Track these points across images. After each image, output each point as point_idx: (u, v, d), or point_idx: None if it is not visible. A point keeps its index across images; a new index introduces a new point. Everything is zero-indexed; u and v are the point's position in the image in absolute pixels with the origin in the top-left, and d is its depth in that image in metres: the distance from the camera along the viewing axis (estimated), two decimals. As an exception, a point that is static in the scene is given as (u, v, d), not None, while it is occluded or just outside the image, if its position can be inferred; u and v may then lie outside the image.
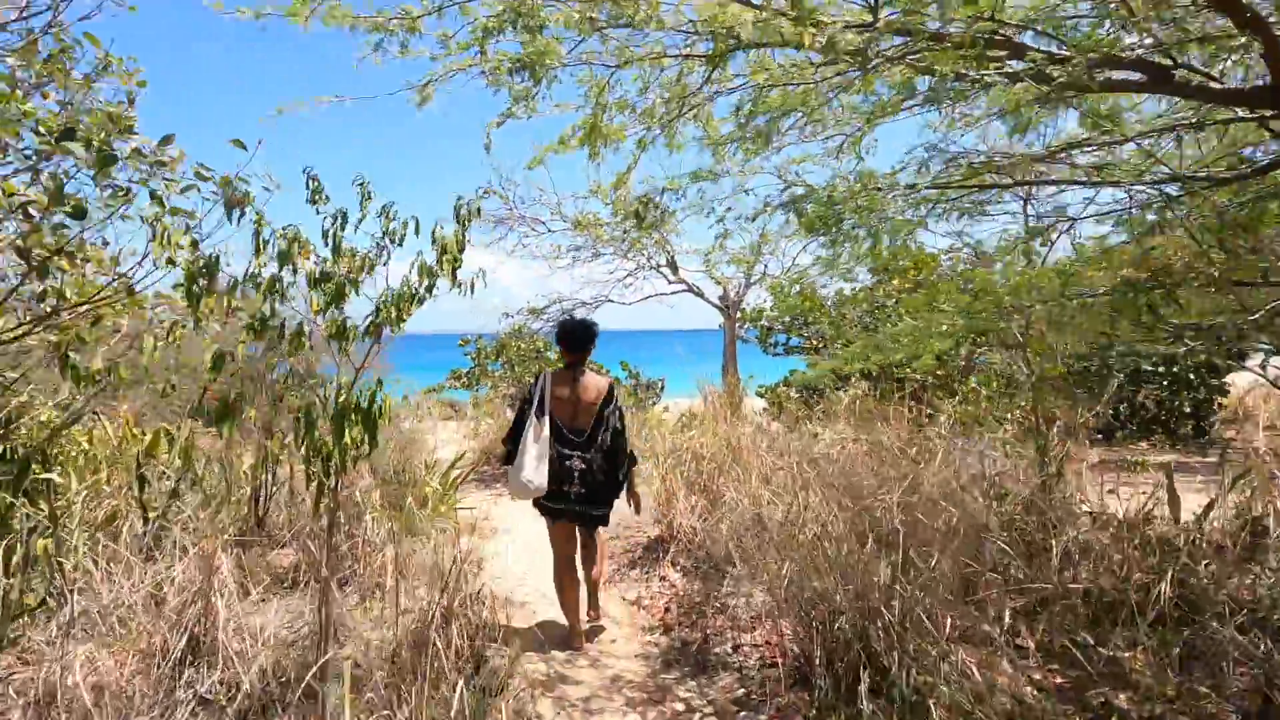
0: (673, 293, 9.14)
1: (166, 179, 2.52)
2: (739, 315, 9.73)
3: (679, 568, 4.23)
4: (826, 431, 5.62)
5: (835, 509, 3.57)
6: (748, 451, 4.91)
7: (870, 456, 4.68)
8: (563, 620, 3.47)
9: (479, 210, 2.51)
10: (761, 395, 10.69)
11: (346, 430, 2.18)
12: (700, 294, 9.13)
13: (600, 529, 3.51)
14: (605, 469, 3.28)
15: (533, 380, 3.40)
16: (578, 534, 3.45)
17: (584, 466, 3.23)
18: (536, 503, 3.32)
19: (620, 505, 3.49)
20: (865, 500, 3.61)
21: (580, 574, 3.45)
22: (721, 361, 10.03)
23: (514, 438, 3.28)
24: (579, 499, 3.24)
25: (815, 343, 10.15)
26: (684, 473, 4.74)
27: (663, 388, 11.46)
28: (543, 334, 8.48)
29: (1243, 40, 2.25)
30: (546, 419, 3.20)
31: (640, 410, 9.31)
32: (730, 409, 7.50)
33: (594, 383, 3.32)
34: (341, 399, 2.22)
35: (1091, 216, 3.34)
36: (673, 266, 8.67)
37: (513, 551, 5.01)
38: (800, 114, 3.11)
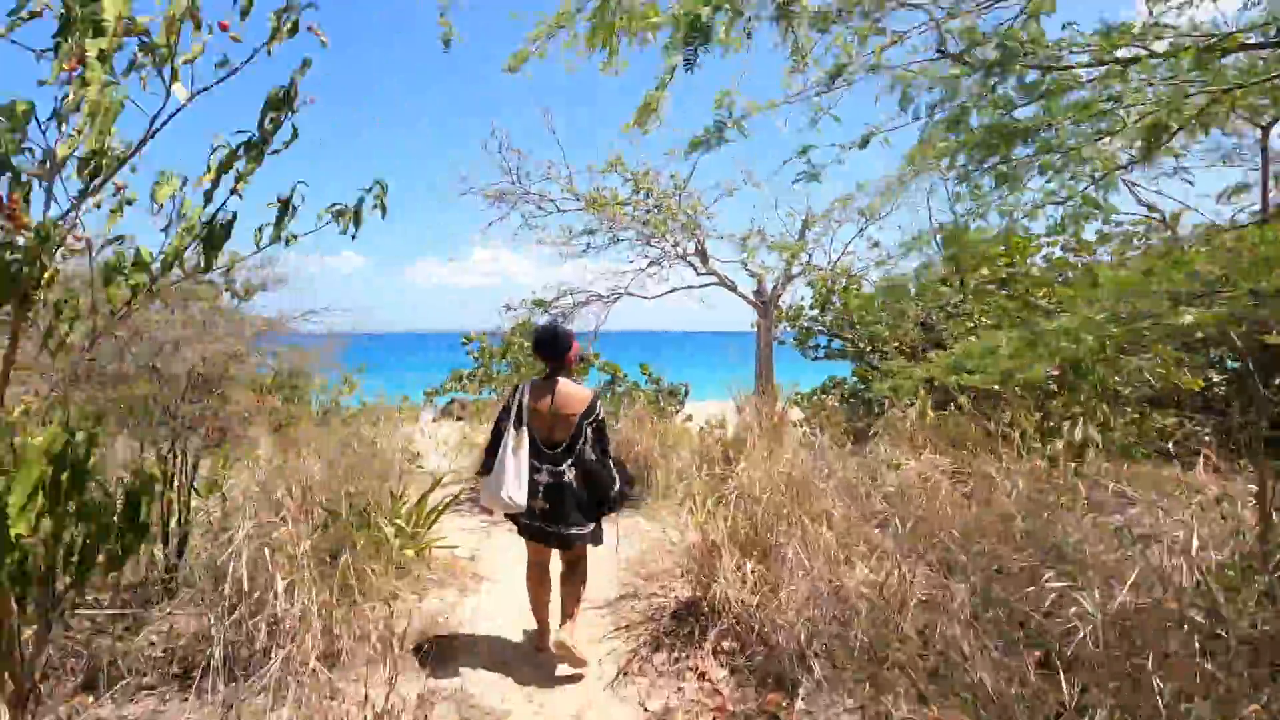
0: (702, 286, 7.93)
1: None
2: (776, 313, 8.49)
3: (724, 660, 3.01)
4: (905, 458, 4.37)
5: (962, 594, 2.34)
6: (811, 488, 3.69)
7: (981, 501, 3.42)
8: None
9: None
10: (798, 404, 9.43)
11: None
12: (733, 287, 7.90)
13: (587, 547, 3.30)
14: (578, 485, 3.11)
15: (511, 390, 3.30)
16: (560, 555, 3.33)
17: (550, 481, 3.08)
18: (511, 518, 3.24)
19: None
20: (1010, 588, 2.38)
21: (556, 588, 3.35)
22: (755, 366, 8.79)
23: (491, 449, 3.18)
24: (545, 515, 3.10)
25: (861, 346, 8.88)
26: (730, 516, 3.52)
27: (686, 394, 10.25)
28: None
29: None
30: (525, 431, 3.08)
31: (661, 420, 8.09)
32: (769, 422, 6.28)
33: (574, 393, 3.16)
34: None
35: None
36: (702, 255, 7.47)
37: (506, 607, 3.84)
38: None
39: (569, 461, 3.09)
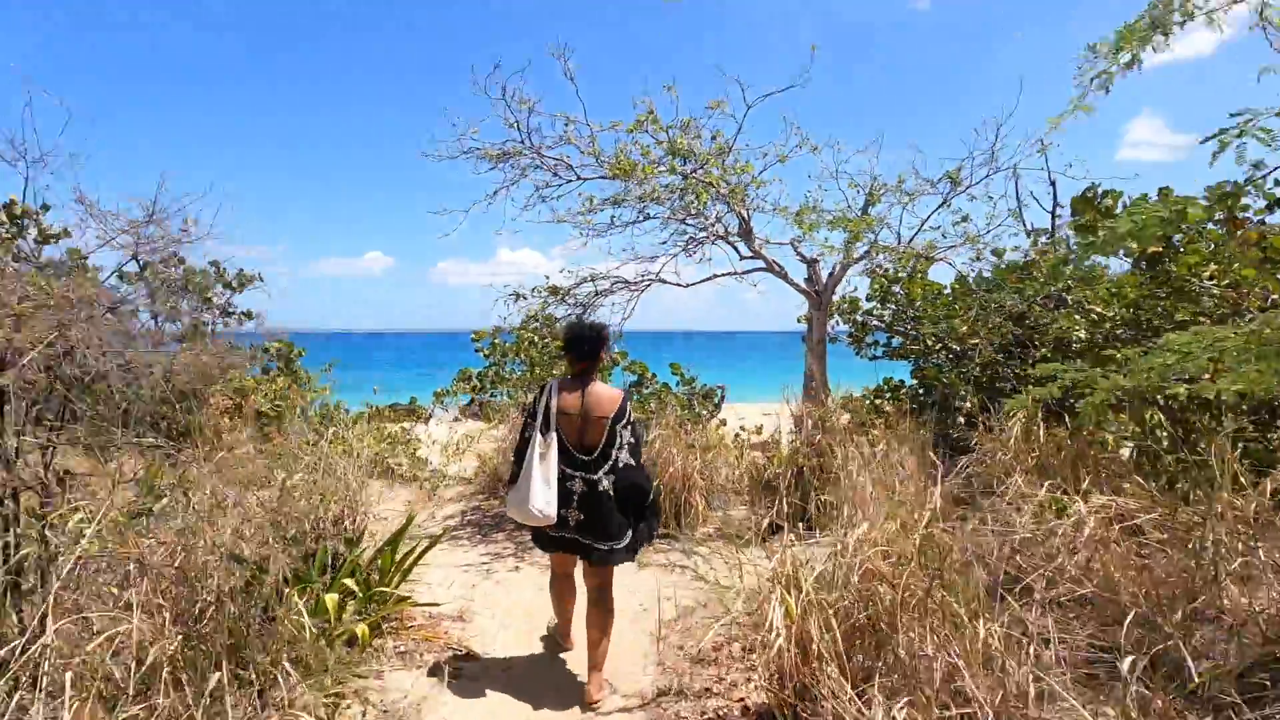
0: (745, 272, 6.77)
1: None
2: (832, 305, 7.29)
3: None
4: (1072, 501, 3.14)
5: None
6: (935, 543, 2.50)
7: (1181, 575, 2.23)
8: None
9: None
10: (848, 409, 8.21)
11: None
12: (782, 274, 6.72)
13: (609, 576, 2.97)
14: (615, 494, 2.85)
15: (537, 391, 3.06)
16: (580, 564, 3.02)
17: (585, 489, 2.84)
18: (533, 532, 3.07)
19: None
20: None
21: (586, 627, 2.94)
22: (805, 367, 7.60)
23: (517, 456, 2.99)
24: (579, 527, 2.84)
25: (929, 343, 7.62)
26: (834, 603, 2.34)
27: (723, 397, 9.09)
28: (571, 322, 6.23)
29: None
30: (554, 435, 2.86)
31: (695, 425, 6.92)
32: (837, 434, 5.11)
33: (605, 394, 2.93)
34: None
35: None
36: (747, 235, 6.30)
37: (503, 708, 2.74)
38: None
39: (604, 469, 2.85)
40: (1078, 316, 5.72)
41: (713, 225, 5.83)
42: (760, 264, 6.67)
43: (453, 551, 5.04)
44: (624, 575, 4.46)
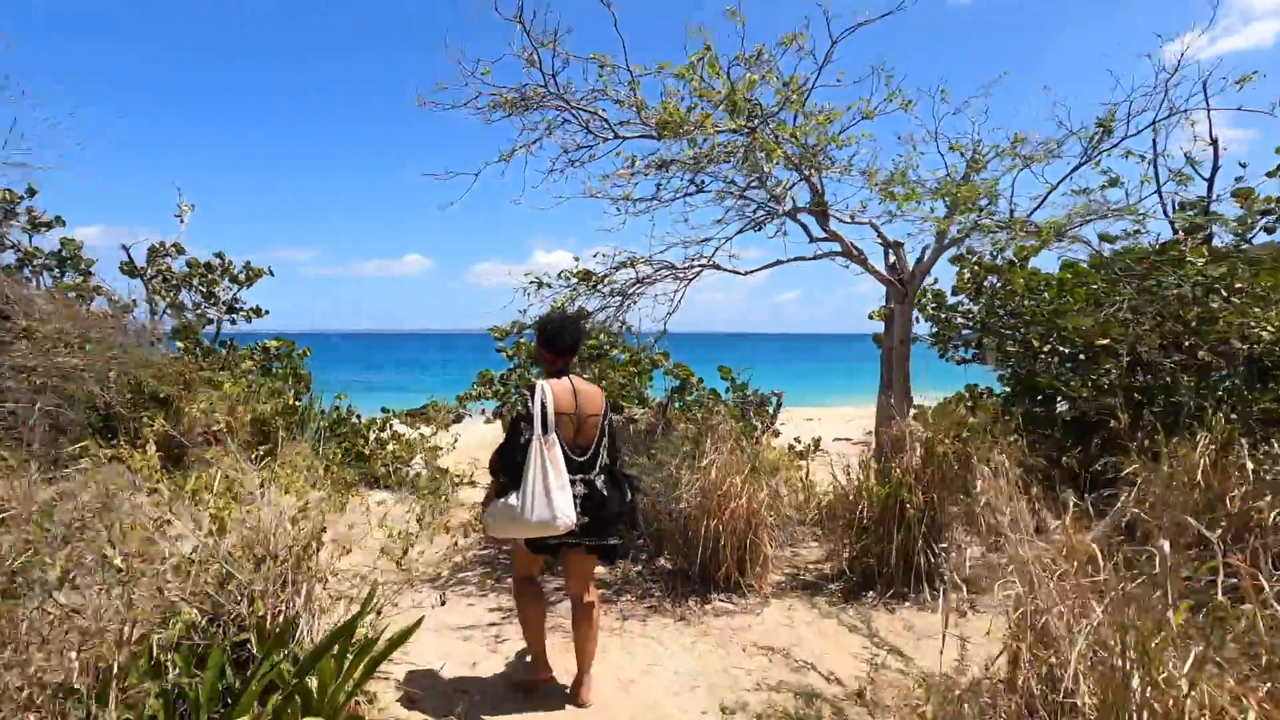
0: (816, 257, 5.58)
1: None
2: (917, 299, 6.05)
3: None
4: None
5: None
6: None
7: None
8: None
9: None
10: (922, 420, 6.95)
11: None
12: (861, 259, 5.52)
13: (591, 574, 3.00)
14: (607, 490, 2.85)
15: (527, 393, 2.84)
16: (575, 580, 2.96)
17: (585, 491, 2.79)
18: (528, 540, 2.83)
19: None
20: None
21: (574, 636, 2.97)
22: (883, 373, 6.38)
23: (509, 465, 2.75)
24: (584, 530, 2.78)
25: (1038, 344, 6.33)
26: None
27: (779, 406, 7.90)
28: (606, 319, 5.08)
29: None
30: (554, 438, 2.73)
31: (746, 439, 5.76)
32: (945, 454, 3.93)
33: (592, 391, 2.90)
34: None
35: None
36: (821, 210, 5.12)
37: None
38: None
39: (597, 467, 2.85)
40: (1258, 311, 4.40)
41: (780, 194, 4.65)
42: (834, 246, 5.48)
43: (455, 603, 4.00)
44: (670, 648, 3.34)
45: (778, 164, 4.16)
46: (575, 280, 4.89)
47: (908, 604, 3.80)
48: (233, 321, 9.09)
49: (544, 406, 2.73)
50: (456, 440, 8.67)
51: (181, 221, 7.85)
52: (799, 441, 7.42)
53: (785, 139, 4.25)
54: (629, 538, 2.79)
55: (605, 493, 2.81)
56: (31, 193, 7.62)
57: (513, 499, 2.64)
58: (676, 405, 7.18)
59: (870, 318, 7.44)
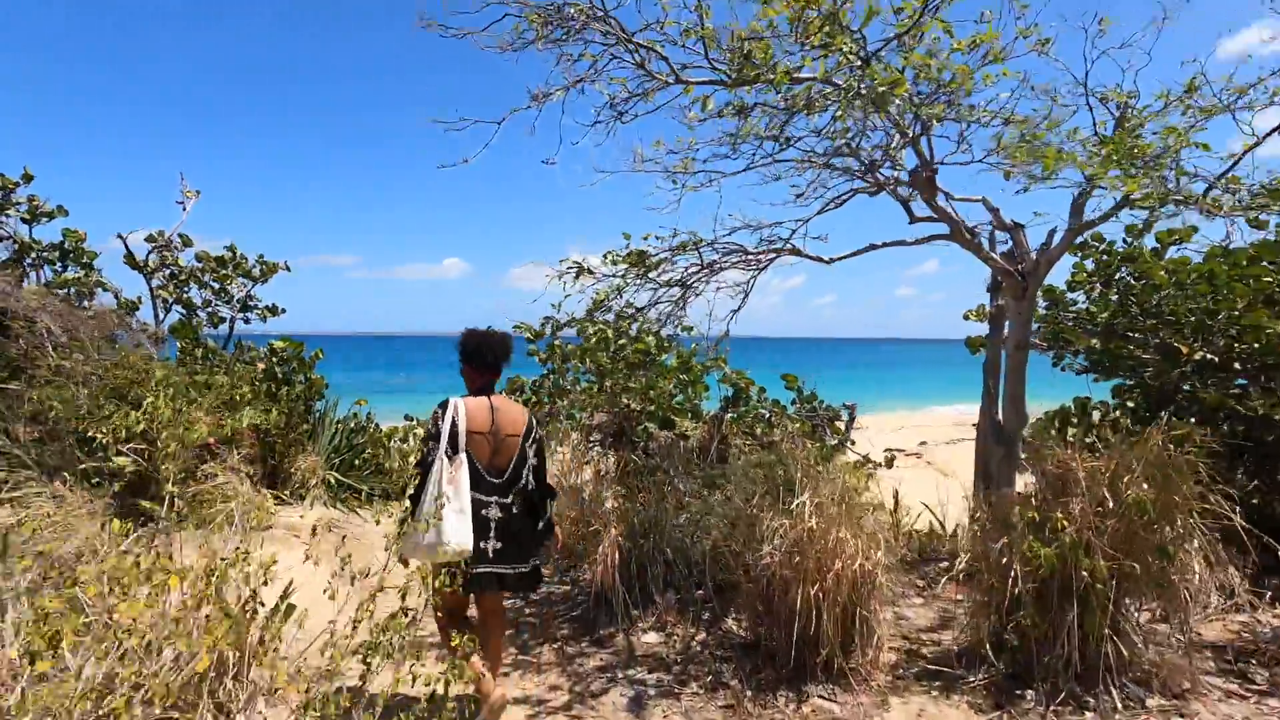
0: (916, 242, 4.53)
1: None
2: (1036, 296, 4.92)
3: None
4: None
5: None
6: None
7: None
8: None
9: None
10: (1039, 441, 5.80)
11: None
12: (974, 242, 4.45)
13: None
14: (526, 516, 2.76)
15: (438, 410, 2.74)
16: (481, 611, 2.85)
17: (501, 515, 2.67)
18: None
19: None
20: None
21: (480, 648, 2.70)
22: (986, 385, 5.31)
23: (418, 486, 2.63)
24: (498, 557, 2.66)
25: (1179, 348, 5.15)
26: None
27: (852, 420, 6.82)
28: (661, 317, 4.11)
29: None
30: (463, 458, 2.62)
31: (822, 461, 4.70)
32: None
33: (514, 411, 2.79)
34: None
35: None
36: (927, 180, 4.07)
37: None
38: None
39: (515, 489, 2.72)
40: None
41: (895, 149, 3.62)
42: (938, 228, 4.42)
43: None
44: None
45: (895, 104, 3.11)
46: (624, 265, 3.93)
47: (1089, 712, 2.72)
48: (246, 320, 8.39)
49: (454, 424, 2.63)
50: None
51: (184, 209, 7.14)
52: (865, 457, 6.34)
53: (910, 69, 3.21)
54: (550, 555, 2.74)
55: (520, 516, 2.70)
56: (28, 179, 7.01)
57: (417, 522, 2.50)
58: (730, 416, 6.19)
59: (966, 317, 6.32)
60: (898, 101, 2.99)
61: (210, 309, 8.07)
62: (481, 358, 2.78)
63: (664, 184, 4.03)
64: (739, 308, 4.30)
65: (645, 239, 4.23)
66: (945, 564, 4.82)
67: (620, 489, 4.97)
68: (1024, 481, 5.84)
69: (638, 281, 3.91)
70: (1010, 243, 4.74)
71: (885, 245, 4.42)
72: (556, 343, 6.98)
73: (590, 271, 3.92)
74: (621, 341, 4.66)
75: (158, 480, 5.28)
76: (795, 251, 4.12)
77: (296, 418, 6.63)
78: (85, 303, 7.24)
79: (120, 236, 6.90)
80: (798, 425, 6.00)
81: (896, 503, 5.56)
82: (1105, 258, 5.46)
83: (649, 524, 3.89)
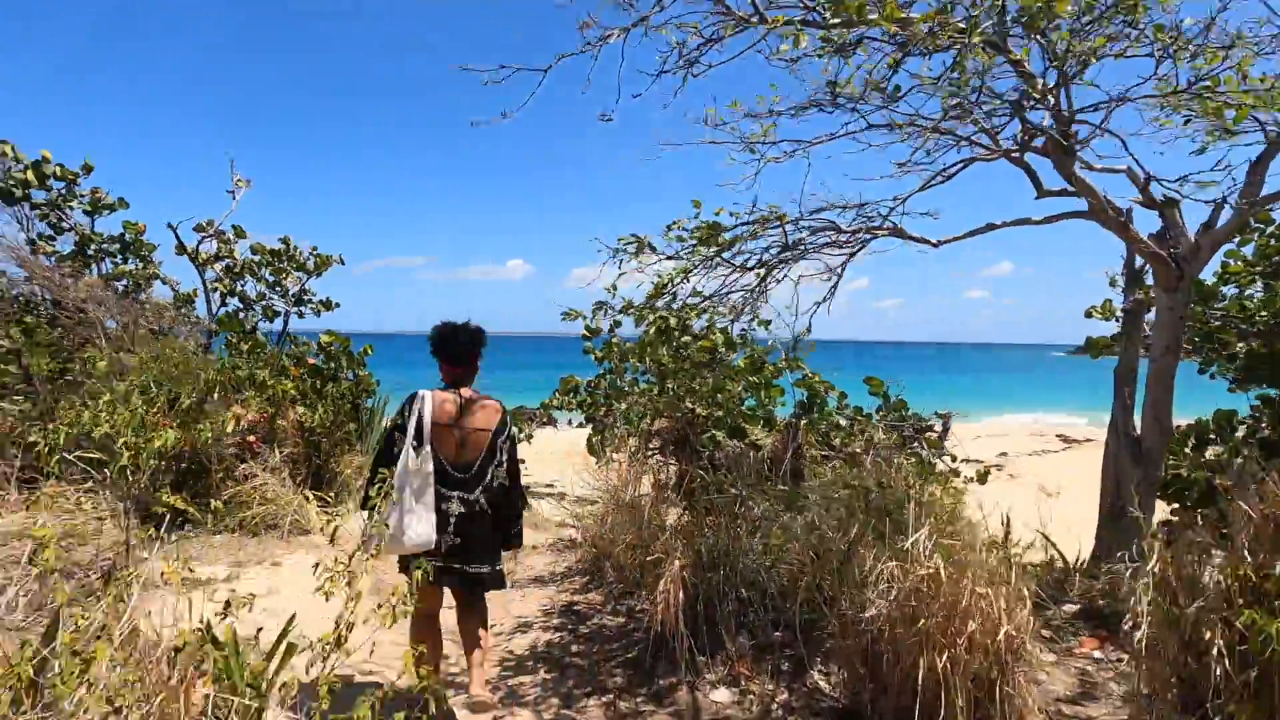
0: (1044, 220, 3.76)
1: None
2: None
3: None
4: None
5: None
6: None
7: None
8: None
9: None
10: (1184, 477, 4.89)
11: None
12: (1119, 220, 3.64)
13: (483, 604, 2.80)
14: (490, 515, 2.70)
15: (405, 402, 2.75)
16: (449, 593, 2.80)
17: (463, 510, 2.64)
18: (402, 559, 2.72)
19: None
20: None
21: (461, 639, 2.78)
22: (1118, 395, 4.47)
23: (376, 479, 2.50)
24: (453, 551, 2.62)
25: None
26: None
27: (947, 430, 6.01)
28: (737, 307, 3.48)
29: None
30: (429, 450, 2.61)
31: (921, 481, 3.96)
32: None
33: (485, 405, 2.74)
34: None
35: None
36: (1065, 144, 3.31)
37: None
38: None
39: (482, 486, 2.66)
40: None
41: (1040, 93, 2.90)
42: (1073, 203, 3.63)
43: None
44: None
45: (1053, 27, 2.40)
46: (693, 240, 3.32)
47: None
48: (300, 315, 8.21)
49: (420, 417, 2.62)
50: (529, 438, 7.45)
51: (234, 198, 6.96)
52: (953, 469, 5.52)
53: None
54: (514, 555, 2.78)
55: (484, 513, 2.66)
56: (88, 170, 6.98)
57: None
58: (806, 422, 5.49)
59: (1089, 314, 5.42)
60: (1061, 20, 2.28)
61: (265, 302, 7.91)
62: (444, 350, 2.73)
63: (740, 156, 3.42)
64: (827, 298, 3.64)
65: (718, 213, 3.62)
66: (1073, 607, 4.02)
67: (683, 505, 4.39)
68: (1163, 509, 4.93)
69: (709, 262, 3.31)
70: (1163, 223, 3.91)
71: (1007, 225, 3.67)
72: (614, 339, 6.45)
73: (652, 248, 3.33)
74: (685, 338, 4.06)
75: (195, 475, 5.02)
76: (897, 232, 3.43)
77: (343, 416, 6.33)
78: (141, 295, 7.18)
79: (171, 226, 6.76)
80: (884, 434, 5.26)
81: (1007, 532, 4.76)
82: (1276, 242, 4.51)
83: (719, 553, 3.29)
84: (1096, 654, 3.49)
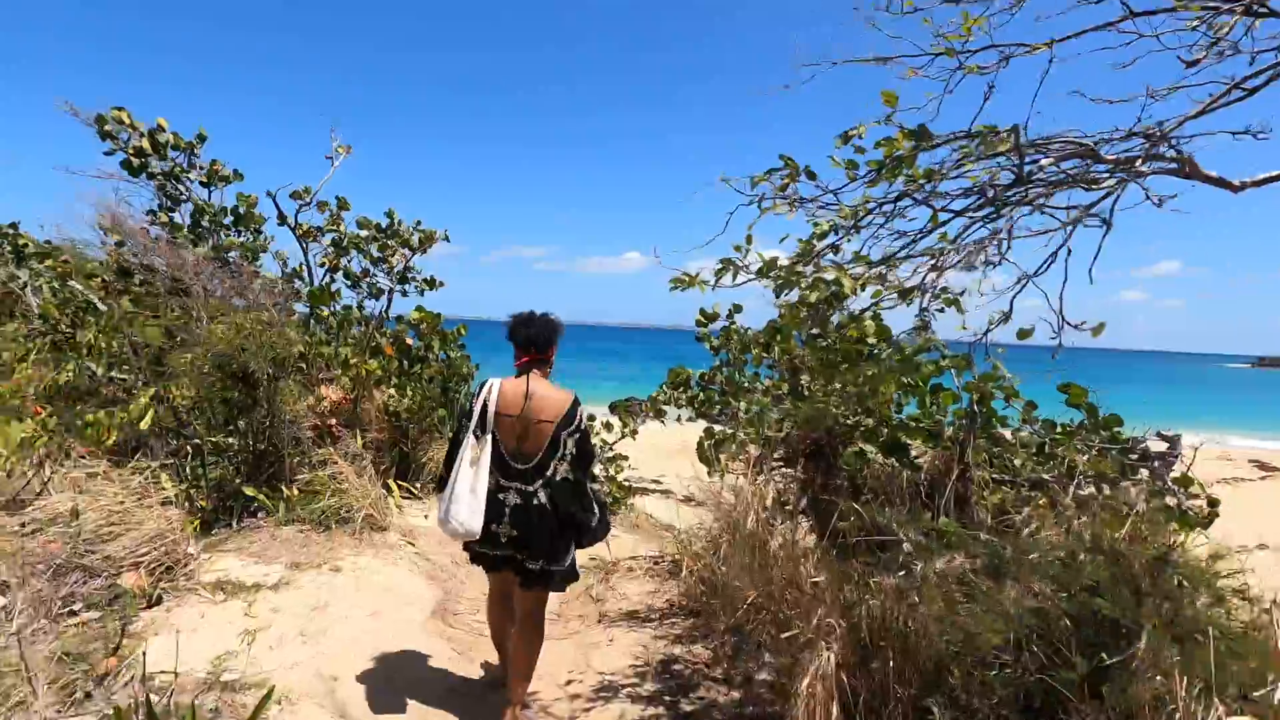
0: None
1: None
2: None
3: None
4: None
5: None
6: None
7: None
8: None
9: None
10: None
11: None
12: None
13: (543, 601, 2.66)
14: (552, 509, 2.53)
15: (477, 388, 2.69)
16: (514, 598, 2.73)
17: (519, 502, 2.53)
18: (466, 545, 2.69)
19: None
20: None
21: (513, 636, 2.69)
22: None
23: (451, 460, 2.65)
24: (510, 542, 2.53)
25: None
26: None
27: (1176, 455, 4.57)
28: (921, 287, 2.46)
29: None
30: (489, 439, 2.55)
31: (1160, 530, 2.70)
32: None
33: (552, 396, 2.61)
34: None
35: None
36: None
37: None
38: None
39: (541, 480, 2.54)
40: None
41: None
42: None
43: None
44: None
45: None
46: (870, 169, 2.30)
47: None
48: (404, 293, 7.89)
49: (485, 405, 2.57)
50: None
51: (333, 164, 6.64)
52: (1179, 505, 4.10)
53: None
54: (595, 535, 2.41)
55: (544, 506, 2.50)
56: (201, 139, 6.92)
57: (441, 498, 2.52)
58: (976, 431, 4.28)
59: None
60: None
61: (370, 279, 7.64)
62: (515, 336, 2.67)
63: (926, 69, 2.38)
64: (1043, 267, 2.51)
65: (881, 171, 2.55)
66: None
67: (817, 539, 3.41)
68: None
69: (889, 205, 2.29)
70: None
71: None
72: (734, 325, 5.52)
73: (811, 174, 2.33)
74: (835, 320, 3.06)
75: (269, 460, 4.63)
76: (1185, 168, 2.24)
77: (432, 400, 5.83)
78: (252, 267, 7.08)
79: (270, 194, 6.53)
80: (1092, 461, 3.98)
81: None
82: None
83: (880, 626, 2.30)
84: None
